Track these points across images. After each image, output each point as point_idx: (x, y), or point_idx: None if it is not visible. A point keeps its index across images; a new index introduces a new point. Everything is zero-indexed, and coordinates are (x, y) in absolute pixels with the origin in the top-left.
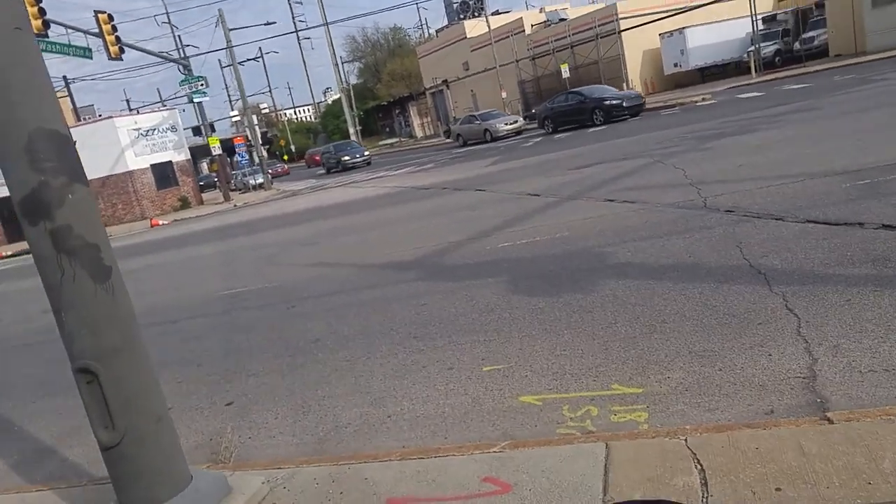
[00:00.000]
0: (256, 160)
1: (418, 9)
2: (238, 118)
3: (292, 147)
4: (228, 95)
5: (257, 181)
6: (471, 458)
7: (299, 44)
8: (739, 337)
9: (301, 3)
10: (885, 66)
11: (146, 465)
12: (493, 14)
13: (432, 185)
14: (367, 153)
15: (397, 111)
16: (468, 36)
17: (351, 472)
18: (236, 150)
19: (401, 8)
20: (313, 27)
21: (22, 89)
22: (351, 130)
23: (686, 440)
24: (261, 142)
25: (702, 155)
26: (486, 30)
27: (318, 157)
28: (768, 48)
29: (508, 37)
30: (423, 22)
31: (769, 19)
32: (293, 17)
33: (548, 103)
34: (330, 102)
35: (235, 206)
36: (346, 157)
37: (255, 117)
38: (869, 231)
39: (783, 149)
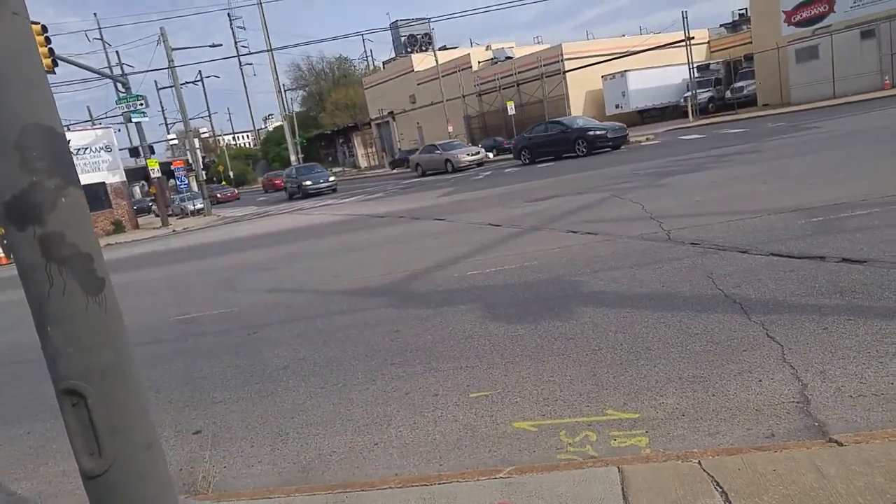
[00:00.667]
0: (195, 185)
1: (364, 40)
2: (175, 142)
3: (230, 173)
4: (165, 118)
5: (196, 206)
6: (477, 484)
7: (241, 69)
8: (726, 363)
9: (244, 29)
10: (810, 116)
11: (135, 495)
12: (440, 49)
13: (387, 213)
14: (332, 178)
15: (341, 141)
16: (415, 69)
17: (350, 500)
18: (175, 173)
19: (345, 38)
20: (256, 52)
21: (17, 80)
22: (292, 158)
23: (700, 463)
24: (202, 167)
25: (657, 191)
26: (434, 64)
27: (277, 181)
28: (703, 95)
29: (455, 72)
30: (369, 54)
31: (703, 68)
32: (235, 42)
33: (525, 134)
34: (271, 129)
35: (175, 231)
36: (308, 182)
37: (196, 141)
38: (831, 264)
39: (736, 186)
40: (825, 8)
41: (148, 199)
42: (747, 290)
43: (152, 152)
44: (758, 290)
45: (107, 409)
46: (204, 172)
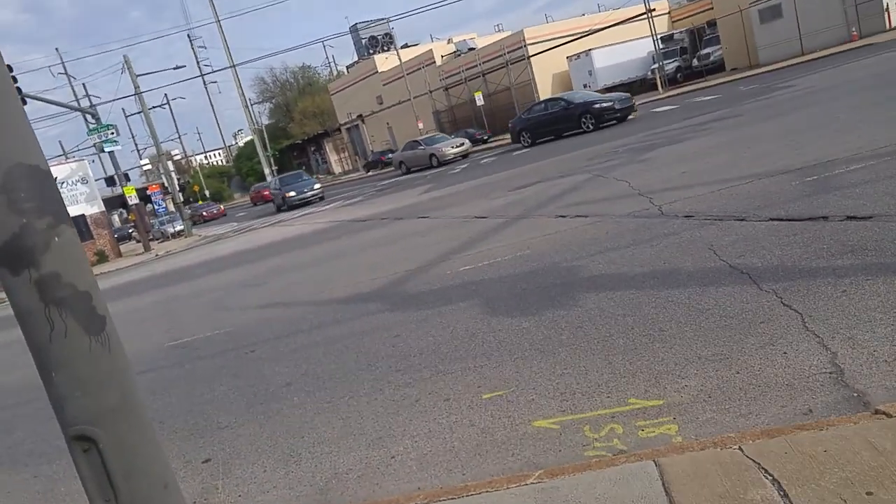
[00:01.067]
0: (172, 207)
1: (325, 47)
2: (149, 166)
3: (206, 192)
4: (136, 144)
5: (176, 228)
6: (508, 492)
7: (206, 88)
8: (746, 338)
9: (205, 48)
10: (782, 75)
11: None
12: (402, 47)
13: (369, 216)
14: (317, 186)
15: (312, 149)
16: (379, 70)
17: None
18: (152, 198)
19: (306, 47)
20: (219, 70)
21: None
22: (266, 171)
23: (741, 449)
24: (178, 188)
25: (641, 166)
26: (397, 63)
27: (266, 193)
28: (670, 65)
29: (420, 69)
30: (331, 59)
31: (667, 39)
32: (198, 62)
33: (522, 114)
34: (241, 145)
35: (157, 255)
36: (292, 193)
37: (170, 163)
38: (836, 223)
39: (720, 154)
40: None
41: (128, 226)
42: (752, 258)
43: (127, 179)
44: (763, 259)
45: (119, 452)
46: (180, 194)
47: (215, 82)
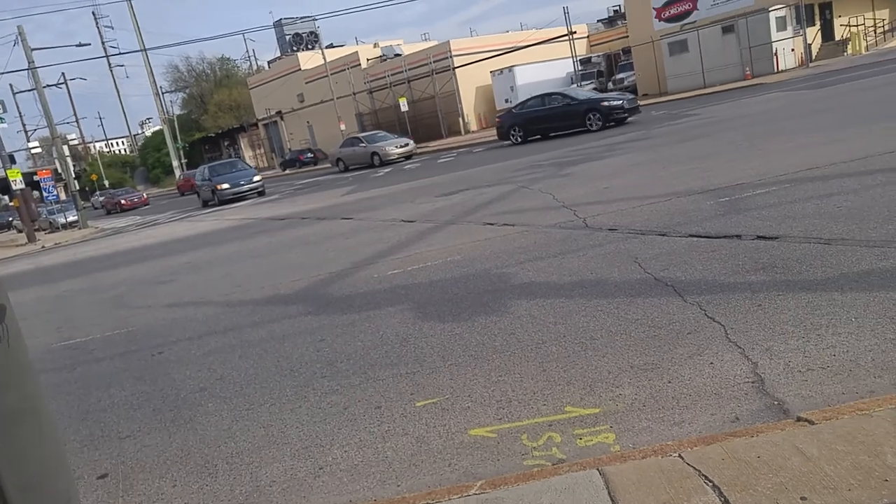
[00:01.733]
0: (65, 195)
1: (245, 39)
2: (39, 150)
3: (105, 182)
4: (23, 124)
5: (68, 219)
6: None
7: (111, 71)
8: (674, 348)
9: (112, 28)
10: (688, 104)
11: None
12: (328, 47)
13: (288, 215)
14: (257, 178)
15: (226, 143)
16: (303, 68)
17: None
18: (41, 184)
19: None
20: (128, 52)
21: None
22: (174, 163)
23: (681, 456)
24: (73, 175)
25: (563, 180)
26: (322, 62)
27: (193, 182)
28: (587, 86)
29: (345, 70)
30: (252, 53)
31: (585, 61)
32: (103, 42)
33: (514, 109)
34: (149, 134)
35: (44, 247)
36: (225, 186)
37: (65, 148)
38: (748, 242)
39: (638, 172)
40: (689, 6)
41: (7, 213)
42: (676, 272)
43: (13, 162)
44: (686, 272)
45: (18, 463)
46: (76, 181)
47: (122, 66)
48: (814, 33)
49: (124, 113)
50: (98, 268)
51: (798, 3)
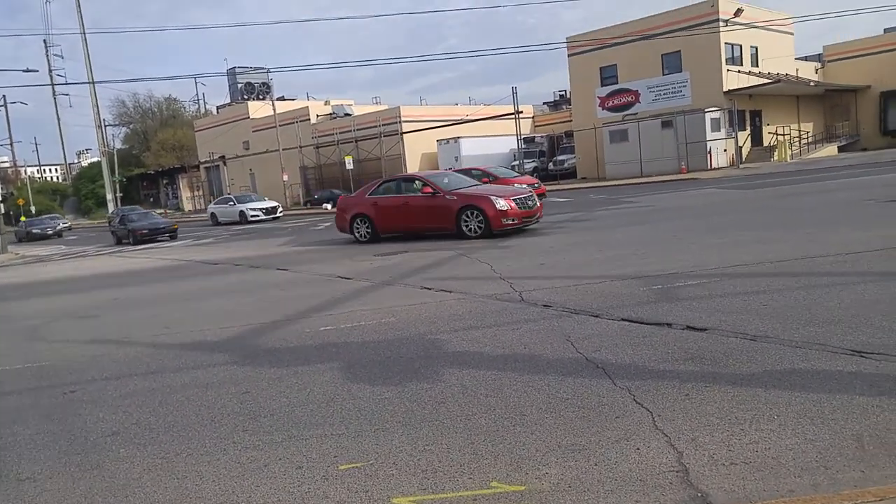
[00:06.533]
0: None
1: (196, 83)
2: None
3: (32, 208)
4: None
5: None
6: None
7: (55, 99)
8: (602, 430)
9: (62, 58)
10: (626, 191)
11: None
12: (278, 99)
13: (221, 260)
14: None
15: (165, 182)
16: (251, 116)
17: None
18: None
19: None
20: (75, 83)
21: None
22: (108, 196)
23: None
24: (1, 198)
25: (501, 252)
26: (271, 113)
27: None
28: (529, 164)
29: (293, 123)
30: (202, 97)
31: (529, 140)
32: (50, 70)
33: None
34: (86, 165)
35: None
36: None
37: None
38: (678, 331)
39: (575, 252)
40: (632, 98)
41: None
42: (607, 354)
43: None
44: (617, 355)
45: None
46: (2, 205)
47: (67, 95)
48: (745, 137)
49: (62, 141)
50: (15, 296)
51: (731, 107)
